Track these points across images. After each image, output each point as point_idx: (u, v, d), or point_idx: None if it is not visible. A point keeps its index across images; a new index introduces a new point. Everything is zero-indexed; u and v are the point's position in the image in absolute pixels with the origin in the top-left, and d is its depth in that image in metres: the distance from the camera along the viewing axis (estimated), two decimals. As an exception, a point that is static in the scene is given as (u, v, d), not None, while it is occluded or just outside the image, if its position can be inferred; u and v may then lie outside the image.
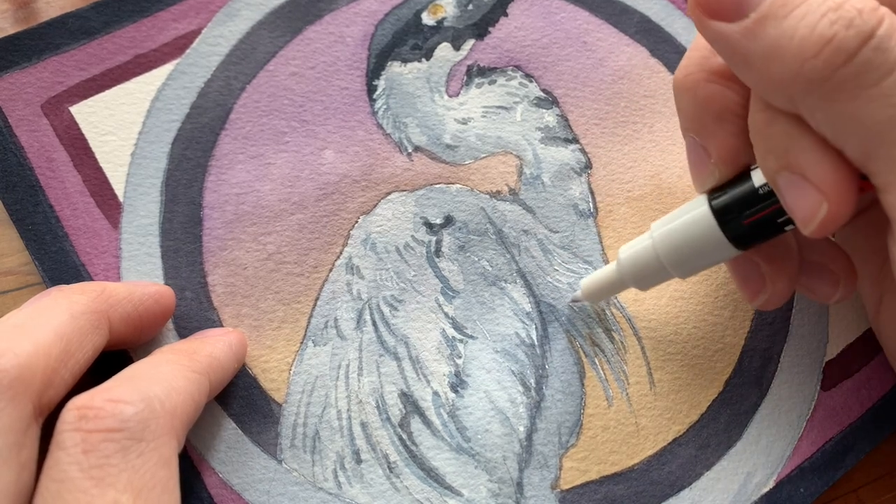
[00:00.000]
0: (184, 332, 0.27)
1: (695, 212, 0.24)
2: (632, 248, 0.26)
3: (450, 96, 0.32)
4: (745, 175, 0.23)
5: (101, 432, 0.19)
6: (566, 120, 0.32)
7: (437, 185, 0.31)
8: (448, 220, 0.30)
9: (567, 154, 0.32)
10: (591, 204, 0.31)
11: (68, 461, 0.19)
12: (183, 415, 0.21)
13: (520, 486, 0.26)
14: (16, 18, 0.32)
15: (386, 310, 0.28)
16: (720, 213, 0.23)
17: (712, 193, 0.24)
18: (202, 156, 0.30)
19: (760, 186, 0.22)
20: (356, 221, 0.30)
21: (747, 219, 0.23)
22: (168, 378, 0.22)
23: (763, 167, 0.22)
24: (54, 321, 0.21)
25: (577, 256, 0.30)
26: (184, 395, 0.22)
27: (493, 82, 0.33)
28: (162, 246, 0.28)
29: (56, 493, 0.19)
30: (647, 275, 0.26)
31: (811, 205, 0.20)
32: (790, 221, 0.22)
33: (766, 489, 0.27)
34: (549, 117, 0.32)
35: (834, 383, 0.29)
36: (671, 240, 0.24)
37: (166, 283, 0.28)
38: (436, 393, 0.27)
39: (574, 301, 0.29)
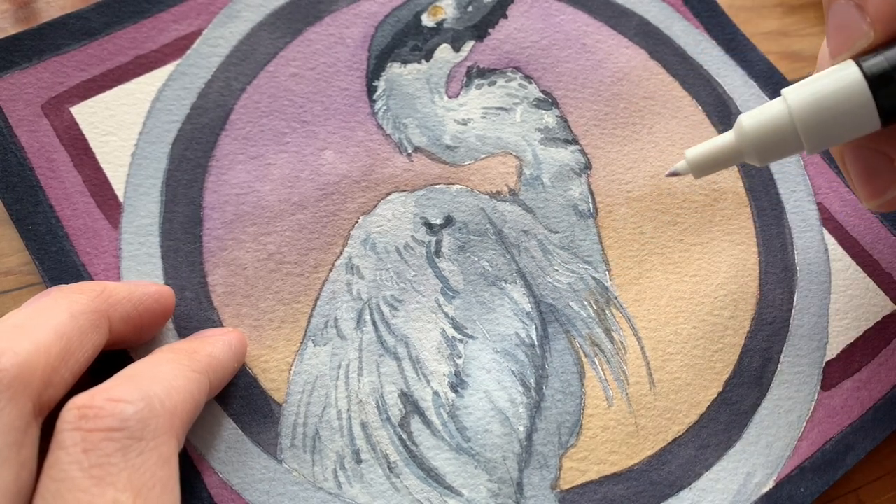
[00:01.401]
0: (184, 332, 0.27)
1: (842, 73, 0.22)
2: (759, 114, 0.24)
3: (450, 97, 0.32)
4: None
5: (101, 431, 0.19)
6: (566, 121, 0.32)
7: (437, 186, 0.31)
8: (448, 221, 0.30)
9: (567, 155, 0.32)
10: (590, 204, 0.31)
11: (68, 460, 0.19)
12: (183, 414, 0.21)
13: (520, 486, 0.26)
14: (16, 18, 0.32)
15: (386, 310, 0.28)
16: (874, 77, 0.22)
17: (860, 57, 0.22)
18: (202, 156, 0.30)
19: None
20: (356, 222, 0.30)
21: None
22: (168, 377, 0.22)
23: None
24: (54, 320, 0.21)
25: (576, 257, 0.30)
26: (184, 395, 0.22)
27: (492, 83, 0.33)
28: (162, 246, 0.28)
29: (56, 493, 0.19)
30: (773, 145, 0.23)
31: None
32: None
33: (765, 489, 0.27)
34: (549, 118, 0.32)
35: (834, 383, 0.29)
36: (814, 103, 0.22)
37: (166, 283, 0.28)
38: (436, 393, 0.27)
39: (673, 174, 0.26)
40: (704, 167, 0.25)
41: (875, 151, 0.24)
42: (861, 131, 0.23)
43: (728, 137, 0.25)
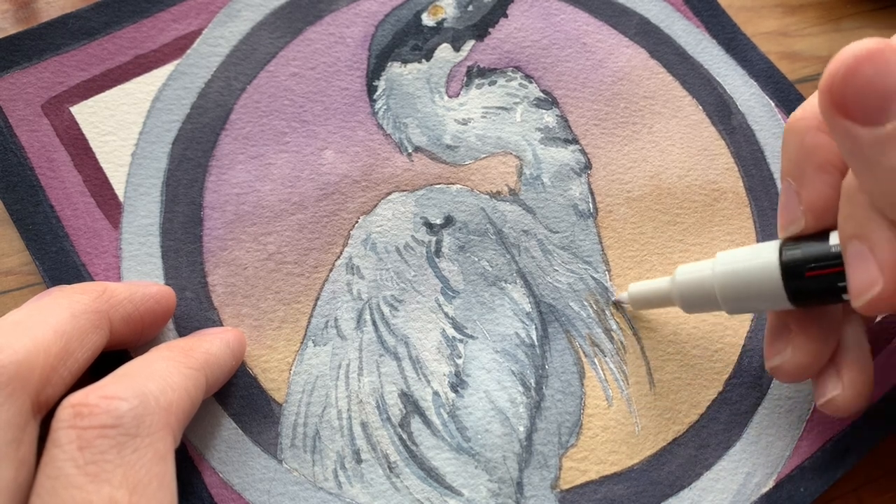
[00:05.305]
0: (184, 332, 0.27)
1: (763, 258, 0.24)
2: (691, 272, 0.26)
3: (450, 97, 0.32)
4: (823, 235, 0.23)
5: (95, 429, 0.19)
6: (566, 120, 0.32)
7: (438, 186, 0.31)
8: (448, 221, 0.30)
9: (567, 154, 0.32)
10: (590, 204, 0.31)
11: (63, 458, 0.19)
12: (178, 410, 0.21)
13: (520, 486, 0.26)
14: (16, 19, 0.32)
15: (386, 310, 0.28)
16: (787, 265, 0.23)
17: (786, 243, 0.24)
18: (202, 156, 0.30)
19: (833, 246, 0.22)
20: (356, 221, 0.30)
21: (810, 271, 0.23)
22: (163, 374, 0.22)
23: (840, 228, 0.22)
24: (54, 319, 0.21)
25: (576, 257, 0.30)
26: (179, 391, 0.22)
27: (493, 83, 0.33)
28: (162, 246, 0.28)
29: (51, 490, 0.19)
30: (697, 301, 0.26)
31: (867, 279, 0.20)
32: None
33: (765, 489, 0.27)
34: (549, 118, 0.32)
35: (834, 383, 0.29)
36: (733, 278, 0.24)
37: (167, 283, 0.28)
38: (436, 393, 0.27)
39: (618, 302, 0.29)
40: (643, 303, 0.28)
41: (780, 318, 0.26)
42: (774, 307, 0.24)
43: (665, 282, 0.27)
